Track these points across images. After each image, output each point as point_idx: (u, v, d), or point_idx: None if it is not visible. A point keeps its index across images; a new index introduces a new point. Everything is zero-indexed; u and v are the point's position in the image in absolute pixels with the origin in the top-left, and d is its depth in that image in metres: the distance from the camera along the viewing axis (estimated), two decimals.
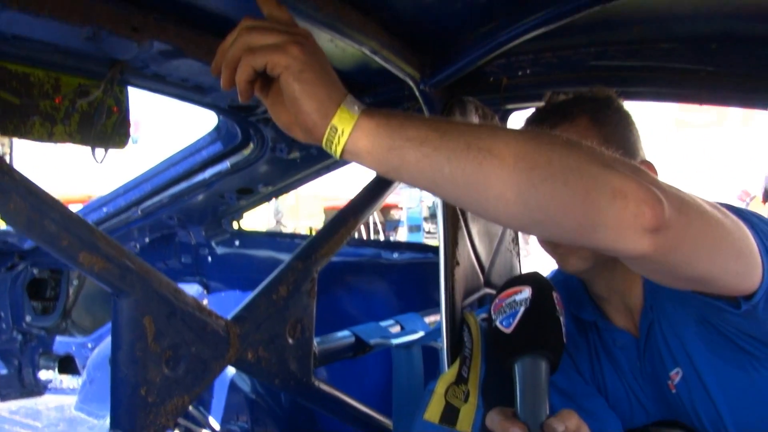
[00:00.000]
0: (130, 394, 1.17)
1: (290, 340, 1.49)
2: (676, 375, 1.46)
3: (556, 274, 1.60)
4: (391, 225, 19.70)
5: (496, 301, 1.13)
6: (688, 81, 1.88)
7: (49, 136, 1.82)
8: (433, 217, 19.79)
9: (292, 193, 17.28)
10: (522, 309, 1.08)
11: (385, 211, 19.73)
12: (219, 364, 1.33)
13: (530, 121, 1.52)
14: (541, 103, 2.00)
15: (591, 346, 1.56)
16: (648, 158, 1.49)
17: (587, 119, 1.42)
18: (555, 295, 1.15)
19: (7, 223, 1.02)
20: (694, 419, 1.47)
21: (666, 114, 14.00)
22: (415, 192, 18.58)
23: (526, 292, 1.09)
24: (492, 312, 1.13)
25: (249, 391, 2.78)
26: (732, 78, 1.84)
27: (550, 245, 1.39)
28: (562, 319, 1.13)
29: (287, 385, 1.52)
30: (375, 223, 18.05)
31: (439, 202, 1.56)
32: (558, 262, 1.41)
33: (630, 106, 1.56)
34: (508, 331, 1.08)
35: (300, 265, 1.50)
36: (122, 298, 1.15)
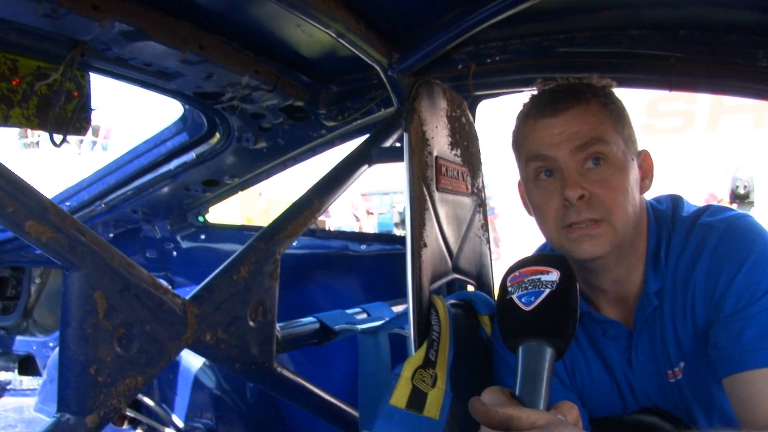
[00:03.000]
0: (78, 374, 1.11)
1: (251, 323, 1.44)
2: (678, 371, 1.45)
3: None
4: None
5: (516, 274, 1.06)
6: (658, 67, 1.88)
7: (5, 120, 1.76)
8: (404, 223, 19.79)
9: (264, 197, 17.16)
10: (547, 291, 1.01)
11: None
12: (175, 344, 1.28)
13: (537, 104, 1.45)
14: (511, 90, 2.00)
15: (576, 339, 1.50)
16: None
17: (599, 103, 1.41)
18: (578, 286, 1.10)
19: None
20: (686, 407, 1.47)
21: (634, 119, 14.17)
22: (387, 198, 18.59)
23: (553, 275, 1.03)
24: (508, 284, 1.07)
25: (213, 387, 2.72)
26: (700, 64, 1.84)
27: (578, 228, 1.35)
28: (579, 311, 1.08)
29: (248, 370, 1.47)
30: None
31: (405, 179, 1.52)
32: (574, 247, 1.35)
33: None
34: (526, 308, 1.02)
35: (262, 245, 1.46)
36: (72, 271, 1.10)
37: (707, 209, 1.46)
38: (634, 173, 1.41)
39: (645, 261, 1.45)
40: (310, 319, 1.80)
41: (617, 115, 1.43)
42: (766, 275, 1.30)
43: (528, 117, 1.45)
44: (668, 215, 1.48)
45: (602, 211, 1.34)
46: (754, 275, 1.31)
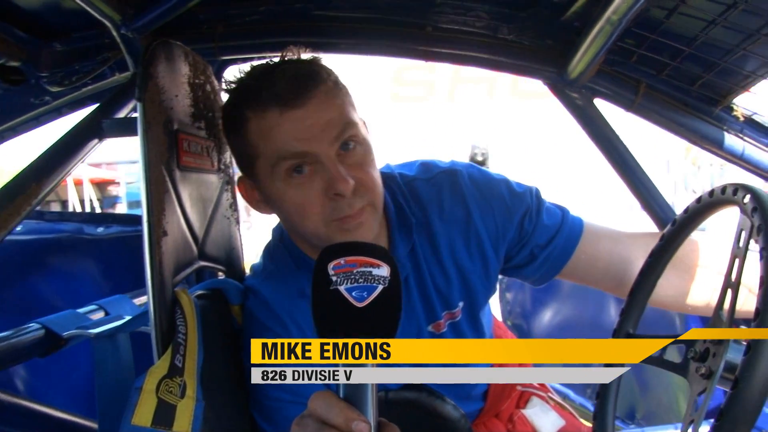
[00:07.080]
0: None
1: None
2: (457, 311, 1.52)
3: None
4: (109, 202, 18.53)
5: (341, 262, 0.91)
6: (414, 36, 1.84)
7: None
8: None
9: None
10: (380, 288, 0.89)
11: (102, 186, 18.47)
12: None
13: (272, 91, 1.31)
14: (260, 55, 1.85)
15: None
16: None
17: (332, 81, 1.36)
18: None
19: None
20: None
21: (383, 88, 14.93)
22: (134, 167, 17.62)
23: (384, 270, 0.90)
24: (331, 272, 0.91)
25: None
26: (452, 34, 1.84)
27: (350, 218, 1.32)
28: None
29: None
30: (90, 200, 16.73)
31: (140, 158, 1.29)
32: (347, 238, 1.30)
33: (349, 76, 1.45)
34: (359, 304, 0.88)
35: None
36: None
37: (423, 162, 1.58)
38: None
39: (388, 228, 1.47)
40: (33, 325, 1.50)
41: (346, 90, 1.39)
42: (516, 188, 1.54)
43: (266, 109, 1.31)
44: (395, 178, 1.52)
45: (368, 196, 1.32)
46: (515, 198, 1.51)
